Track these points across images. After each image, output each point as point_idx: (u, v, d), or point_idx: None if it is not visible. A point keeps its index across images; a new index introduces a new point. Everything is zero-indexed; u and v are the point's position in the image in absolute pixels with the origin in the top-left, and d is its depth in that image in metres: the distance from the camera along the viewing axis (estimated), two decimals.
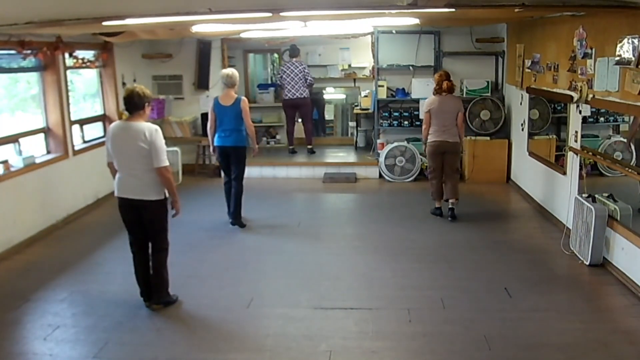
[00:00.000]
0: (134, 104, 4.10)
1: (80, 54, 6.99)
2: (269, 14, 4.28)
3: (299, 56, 9.04)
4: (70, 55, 6.70)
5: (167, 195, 4.22)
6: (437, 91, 6.31)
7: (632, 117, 5.28)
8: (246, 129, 6.08)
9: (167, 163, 4.11)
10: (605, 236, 4.81)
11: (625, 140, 5.80)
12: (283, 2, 3.96)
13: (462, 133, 6.39)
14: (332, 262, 5.23)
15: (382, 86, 8.40)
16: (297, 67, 8.83)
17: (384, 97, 8.46)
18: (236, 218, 6.26)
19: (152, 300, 4.30)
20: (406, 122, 8.48)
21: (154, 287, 4.30)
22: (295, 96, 8.86)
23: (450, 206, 6.41)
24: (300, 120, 9.37)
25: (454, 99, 6.33)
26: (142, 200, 4.13)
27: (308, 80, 8.88)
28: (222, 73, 6.20)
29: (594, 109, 5.52)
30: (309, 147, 9.26)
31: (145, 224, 4.22)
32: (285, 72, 8.90)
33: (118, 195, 4.21)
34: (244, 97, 6.16)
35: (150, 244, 4.29)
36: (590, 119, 5.88)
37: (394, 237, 5.88)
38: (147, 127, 4.07)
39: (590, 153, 5.36)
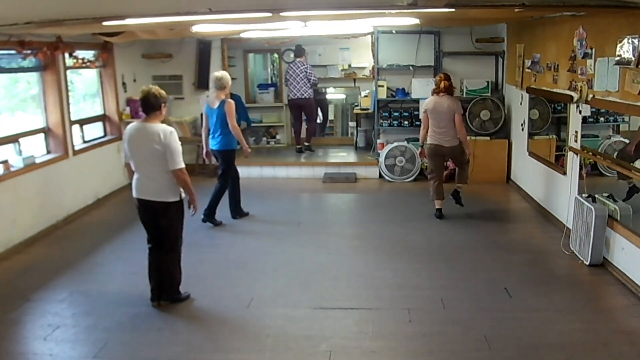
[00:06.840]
0: (150, 104, 4.11)
1: (80, 54, 6.99)
2: (269, 14, 4.29)
3: (304, 56, 9.07)
4: (70, 55, 6.70)
5: (182, 196, 4.23)
6: (434, 91, 6.33)
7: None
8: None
9: (182, 165, 4.12)
10: (605, 236, 4.81)
11: (625, 140, 5.81)
12: (283, 2, 3.97)
13: (463, 135, 6.22)
14: (332, 262, 5.23)
15: (382, 86, 8.40)
16: (299, 67, 8.89)
17: (384, 97, 8.46)
18: (208, 216, 6.24)
19: (161, 298, 4.32)
20: (406, 122, 8.48)
21: (164, 286, 4.32)
22: (296, 96, 8.96)
23: (456, 188, 6.51)
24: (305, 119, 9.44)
25: (449, 99, 6.21)
26: (158, 202, 4.16)
27: (311, 80, 8.91)
28: (212, 76, 6.15)
29: (594, 109, 5.52)
30: (306, 143, 9.32)
31: (160, 225, 4.25)
32: (288, 72, 9.03)
33: (135, 196, 4.25)
34: (229, 100, 6.06)
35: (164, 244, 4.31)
36: (590, 119, 5.89)
37: (394, 237, 5.88)
38: (162, 128, 4.08)
39: (590, 153, 5.36)
